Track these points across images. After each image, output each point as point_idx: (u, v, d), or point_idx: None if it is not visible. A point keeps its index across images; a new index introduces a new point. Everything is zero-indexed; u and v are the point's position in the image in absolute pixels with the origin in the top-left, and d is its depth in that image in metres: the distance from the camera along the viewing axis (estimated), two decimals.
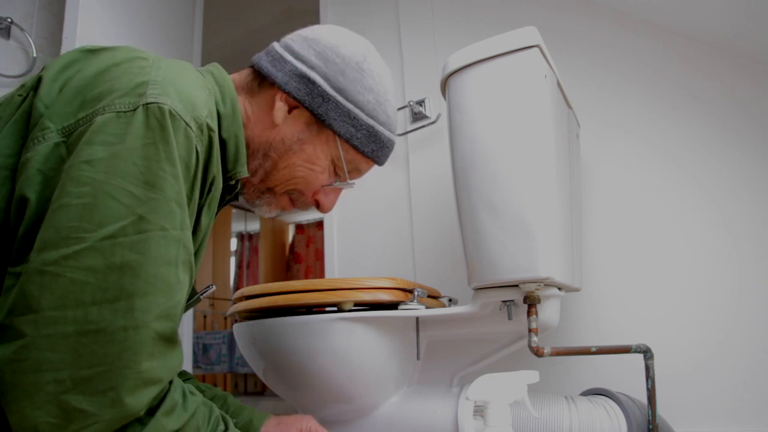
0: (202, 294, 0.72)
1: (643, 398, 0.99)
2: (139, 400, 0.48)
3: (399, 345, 1.02)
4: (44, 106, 0.54)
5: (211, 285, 0.75)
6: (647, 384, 0.96)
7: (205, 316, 4.28)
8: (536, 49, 0.92)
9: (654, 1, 1.25)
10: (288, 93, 0.67)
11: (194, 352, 3.66)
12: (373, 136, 0.71)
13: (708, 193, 1.19)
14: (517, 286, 0.93)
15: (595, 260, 1.27)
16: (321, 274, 4.78)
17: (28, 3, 1.64)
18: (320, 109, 0.68)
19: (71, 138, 0.51)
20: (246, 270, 4.86)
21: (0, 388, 0.46)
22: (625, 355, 1.07)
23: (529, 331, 0.93)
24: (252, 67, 0.71)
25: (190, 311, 2.27)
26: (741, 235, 1.14)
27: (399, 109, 1.59)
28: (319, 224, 4.83)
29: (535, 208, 0.89)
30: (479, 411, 0.69)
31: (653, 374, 0.96)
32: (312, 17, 1.81)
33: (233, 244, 4.90)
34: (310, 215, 4.93)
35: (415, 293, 0.98)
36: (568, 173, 1.05)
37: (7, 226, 0.51)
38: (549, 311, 1.00)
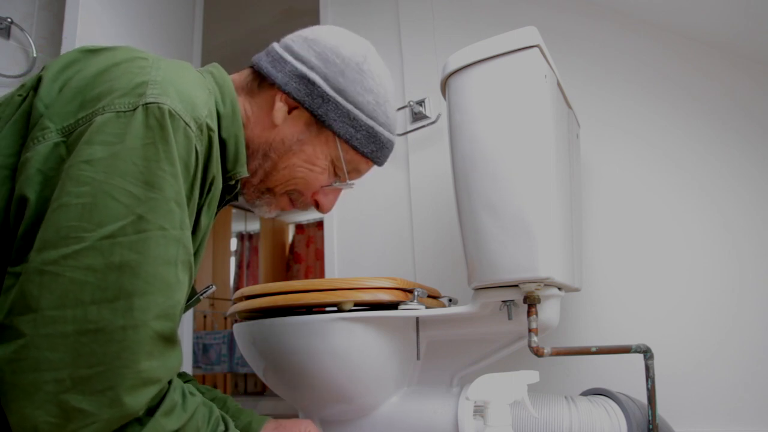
0: (201, 294, 0.72)
1: (643, 398, 0.99)
2: (138, 400, 0.48)
3: (399, 345, 1.02)
4: (44, 106, 0.54)
5: (211, 285, 0.75)
6: (647, 384, 0.96)
7: (205, 316, 4.28)
8: (536, 49, 0.92)
9: (654, 1, 1.25)
10: (288, 93, 0.67)
11: (194, 352, 3.66)
12: (373, 136, 0.71)
13: (708, 193, 1.19)
14: (517, 286, 0.93)
15: (595, 260, 1.27)
16: (321, 274, 4.78)
17: (28, 3, 1.64)
18: (320, 110, 0.68)
19: (71, 138, 0.51)
20: (246, 270, 4.86)
21: None
22: (625, 355, 1.07)
23: (529, 331, 0.93)
24: (252, 67, 0.72)
25: (190, 311, 2.28)
26: (741, 235, 1.14)
27: (399, 109, 1.59)
28: (319, 224, 4.83)
29: (535, 208, 0.89)
30: (479, 411, 0.69)
31: (653, 374, 0.96)
32: (312, 17, 1.81)
33: (233, 244, 4.90)
34: (310, 215, 4.93)
35: (415, 293, 0.98)
36: (568, 173, 1.05)
37: (6, 225, 0.51)
38: (549, 311, 1.00)
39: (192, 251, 0.55)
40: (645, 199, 1.25)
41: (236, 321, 1.09)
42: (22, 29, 1.59)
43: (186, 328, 1.99)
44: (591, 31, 1.37)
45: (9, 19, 1.56)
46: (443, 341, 1.09)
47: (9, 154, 0.53)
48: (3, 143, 0.54)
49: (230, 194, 0.70)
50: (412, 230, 1.55)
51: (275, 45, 0.72)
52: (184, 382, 0.62)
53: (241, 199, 0.75)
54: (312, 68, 0.68)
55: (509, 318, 0.98)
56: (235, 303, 1.05)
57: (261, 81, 0.70)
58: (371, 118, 0.70)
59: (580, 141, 1.26)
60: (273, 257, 4.92)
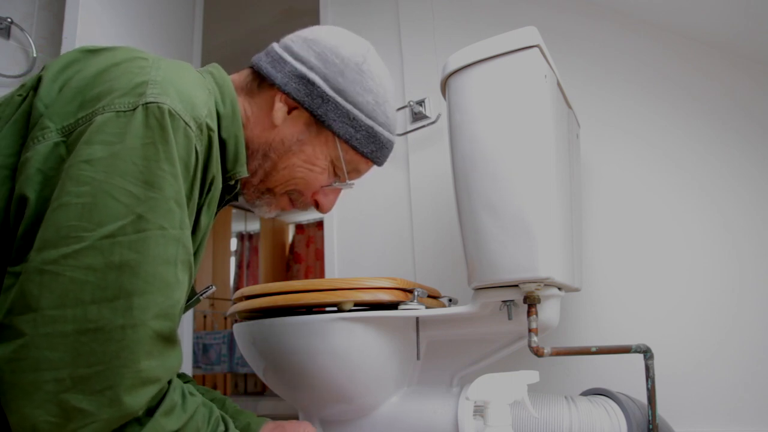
0: (201, 294, 0.72)
1: (643, 398, 0.99)
2: (137, 400, 0.48)
3: (399, 345, 1.02)
4: (44, 106, 0.54)
5: (211, 285, 0.75)
6: (647, 384, 0.96)
7: (205, 316, 4.28)
8: (536, 49, 0.92)
9: (654, 1, 1.25)
10: (287, 94, 0.67)
11: (194, 352, 3.66)
12: (373, 136, 0.71)
13: (708, 193, 1.19)
14: (517, 286, 0.93)
15: (595, 260, 1.27)
16: (321, 274, 4.78)
17: (28, 3, 1.64)
18: (320, 110, 0.68)
19: (71, 137, 0.51)
20: (246, 270, 4.86)
21: None
22: (625, 355, 1.07)
23: (529, 331, 0.93)
24: (252, 67, 0.72)
25: (190, 311, 2.28)
26: (741, 235, 1.14)
27: (399, 109, 1.59)
28: (319, 224, 4.83)
29: (535, 208, 0.89)
30: (479, 411, 0.69)
31: (653, 374, 0.96)
32: (312, 17, 1.81)
33: (233, 244, 4.90)
34: (310, 215, 4.93)
35: (415, 293, 0.98)
36: (568, 173, 1.05)
37: (6, 225, 0.51)
38: (549, 311, 1.00)
39: (192, 251, 0.55)
40: (645, 199, 1.25)
41: (236, 321, 1.09)
42: (22, 29, 1.59)
43: (186, 328, 1.99)
44: (591, 31, 1.37)
45: (9, 19, 1.56)
46: (443, 341, 1.09)
47: (9, 154, 0.53)
48: (3, 143, 0.54)
49: (230, 194, 0.70)
50: (412, 230, 1.55)
51: (275, 45, 0.72)
52: (183, 383, 0.62)
53: (241, 199, 0.75)
54: (311, 68, 0.68)
55: (509, 318, 0.98)
56: (235, 303, 1.05)
57: (261, 81, 0.70)
58: (371, 118, 0.70)
59: (580, 141, 1.26)
60: (273, 257, 4.92)
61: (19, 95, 0.57)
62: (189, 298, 0.67)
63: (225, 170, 0.65)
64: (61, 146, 0.51)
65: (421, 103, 1.57)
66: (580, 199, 1.25)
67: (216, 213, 0.67)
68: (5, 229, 0.51)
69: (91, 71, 0.55)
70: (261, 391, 4.03)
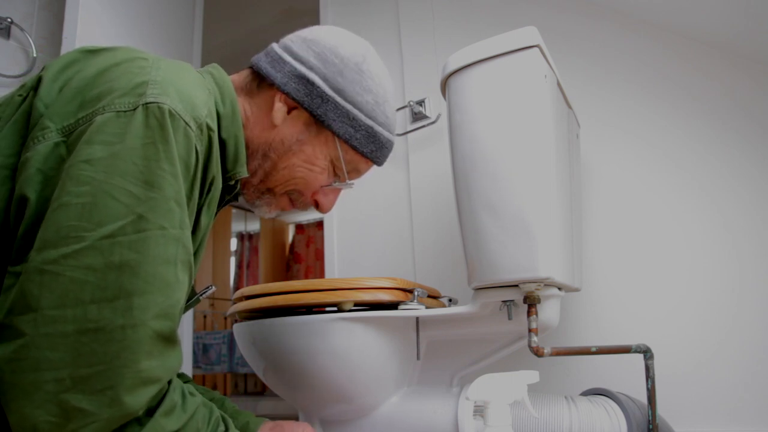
0: (201, 295, 0.72)
1: (643, 398, 0.99)
2: (137, 400, 0.48)
3: (399, 345, 1.02)
4: (44, 106, 0.54)
5: (211, 286, 0.75)
6: (647, 384, 0.96)
7: (205, 316, 4.28)
8: (536, 49, 0.92)
9: (654, 1, 1.25)
10: (287, 94, 0.67)
11: (194, 352, 3.66)
12: (372, 136, 0.71)
13: (708, 193, 1.19)
14: (517, 286, 0.93)
15: (595, 260, 1.27)
16: (321, 274, 4.78)
17: (28, 3, 1.64)
18: (319, 110, 0.68)
19: (71, 138, 0.51)
20: (246, 270, 4.86)
21: None
22: (625, 355, 1.07)
23: (529, 331, 0.93)
24: (251, 68, 0.72)
25: (190, 311, 2.28)
26: (741, 235, 1.14)
27: (399, 109, 1.59)
28: (319, 224, 4.83)
29: (535, 208, 0.89)
30: (479, 411, 0.69)
31: (653, 374, 0.96)
32: (312, 17, 1.81)
33: (233, 244, 4.90)
34: (310, 215, 4.93)
35: (415, 293, 0.98)
36: (568, 173, 1.05)
37: (7, 225, 0.51)
38: (549, 311, 1.00)
39: (192, 251, 0.55)
40: (645, 199, 1.25)
41: (236, 321, 1.09)
42: (22, 29, 1.59)
43: (186, 328, 1.99)
44: (591, 31, 1.37)
45: (9, 19, 1.56)
46: (443, 341, 1.09)
47: (9, 154, 0.53)
48: (3, 143, 0.54)
49: (230, 194, 0.70)
50: (412, 230, 1.55)
51: (274, 45, 0.72)
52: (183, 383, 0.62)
53: (241, 199, 0.75)
54: (311, 68, 0.68)
55: (509, 318, 0.98)
56: (235, 303, 1.05)
57: (260, 81, 0.70)
58: (370, 117, 0.70)
59: (580, 141, 1.26)
60: (273, 257, 4.92)
61: (20, 95, 0.57)
62: (189, 298, 0.67)
63: (225, 170, 0.65)
64: (61, 146, 0.51)
65: (421, 103, 1.57)
66: (580, 199, 1.25)
67: (216, 213, 0.67)
68: (5, 229, 0.51)
69: (91, 71, 0.55)
70: (261, 391, 4.03)
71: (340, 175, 0.73)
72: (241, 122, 0.67)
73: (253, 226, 4.99)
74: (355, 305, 0.96)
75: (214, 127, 0.59)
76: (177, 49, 1.85)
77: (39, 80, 0.57)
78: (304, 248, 4.96)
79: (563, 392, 1.07)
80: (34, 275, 0.47)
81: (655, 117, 1.26)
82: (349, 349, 0.95)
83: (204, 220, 0.61)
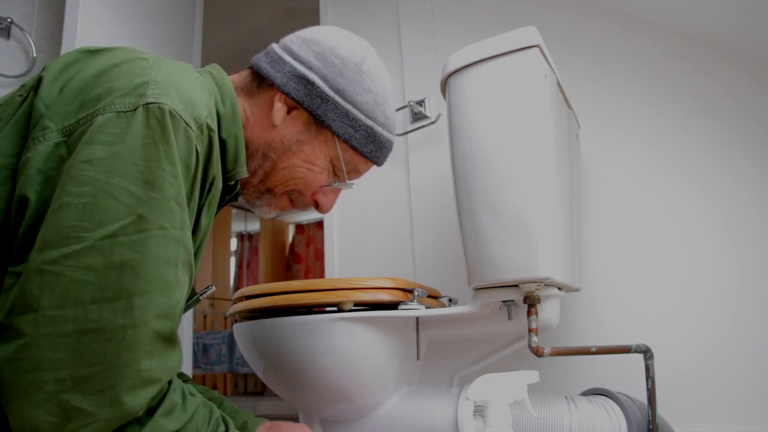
0: (201, 295, 0.72)
1: (643, 398, 0.99)
2: (137, 400, 0.49)
3: (399, 345, 1.02)
4: (45, 106, 0.54)
5: (211, 286, 0.75)
6: (647, 384, 0.96)
7: (205, 316, 4.28)
8: (536, 49, 0.92)
9: (654, 1, 1.25)
10: (287, 94, 0.68)
11: (194, 352, 3.66)
12: (372, 136, 0.71)
13: (708, 193, 1.19)
14: (517, 286, 0.93)
15: (595, 260, 1.27)
16: (321, 274, 4.78)
17: (28, 3, 1.64)
18: (319, 110, 0.68)
19: (71, 138, 0.51)
20: (246, 270, 4.86)
21: None
22: (625, 355, 1.07)
23: (529, 331, 0.93)
24: (251, 68, 0.72)
25: (190, 311, 2.28)
26: (741, 235, 1.14)
27: (399, 109, 1.59)
28: (319, 224, 4.83)
29: (535, 208, 0.89)
30: (479, 411, 0.69)
31: (653, 374, 0.96)
32: (312, 17, 1.81)
33: (233, 244, 4.90)
34: (310, 215, 4.93)
35: (415, 293, 0.98)
36: (568, 173, 1.06)
37: (7, 225, 0.51)
38: (549, 311, 1.00)
39: (192, 251, 0.55)
40: (645, 199, 1.25)
41: (236, 321, 1.09)
42: (22, 29, 1.59)
43: (186, 328, 1.99)
44: (591, 31, 1.37)
45: (9, 19, 1.56)
46: (443, 341, 1.09)
47: (10, 155, 0.53)
48: (4, 143, 0.54)
49: (230, 194, 0.70)
50: (412, 230, 1.55)
51: (274, 46, 0.72)
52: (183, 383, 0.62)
53: (241, 199, 0.75)
54: (311, 68, 0.68)
55: (509, 318, 0.98)
56: (235, 303, 1.05)
57: (260, 82, 0.70)
58: (370, 117, 0.70)
59: (580, 141, 1.26)
60: (273, 257, 4.92)
61: (20, 95, 0.57)
62: (189, 298, 0.67)
63: (225, 170, 0.65)
64: (61, 146, 0.51)
65: (421, 103, 1.57)
66: (580, 199, 1.25)
67: (216, 213, 0.67)
68: (6, 229, 0.51)
69: (91, 72, 0.55)
70: (261, 391, 4.03)
71: (340, 175, 0.73)
72: (241, 122, 0.67)
73: (253, 226, 4.99)
74: (355, 305, 0.96)
75: (215, 127, 0.59)
76: (177, 49, 1.85)
77: (39, 80, 0.57)
78: (304, 248, 4.96)
79: (563, 392, 1.07)
80: (35, 275, 0.47)
81: (655, 117, 1.26)
82: (349, 349, 0.95)
83: (204, 220, 0.61)
